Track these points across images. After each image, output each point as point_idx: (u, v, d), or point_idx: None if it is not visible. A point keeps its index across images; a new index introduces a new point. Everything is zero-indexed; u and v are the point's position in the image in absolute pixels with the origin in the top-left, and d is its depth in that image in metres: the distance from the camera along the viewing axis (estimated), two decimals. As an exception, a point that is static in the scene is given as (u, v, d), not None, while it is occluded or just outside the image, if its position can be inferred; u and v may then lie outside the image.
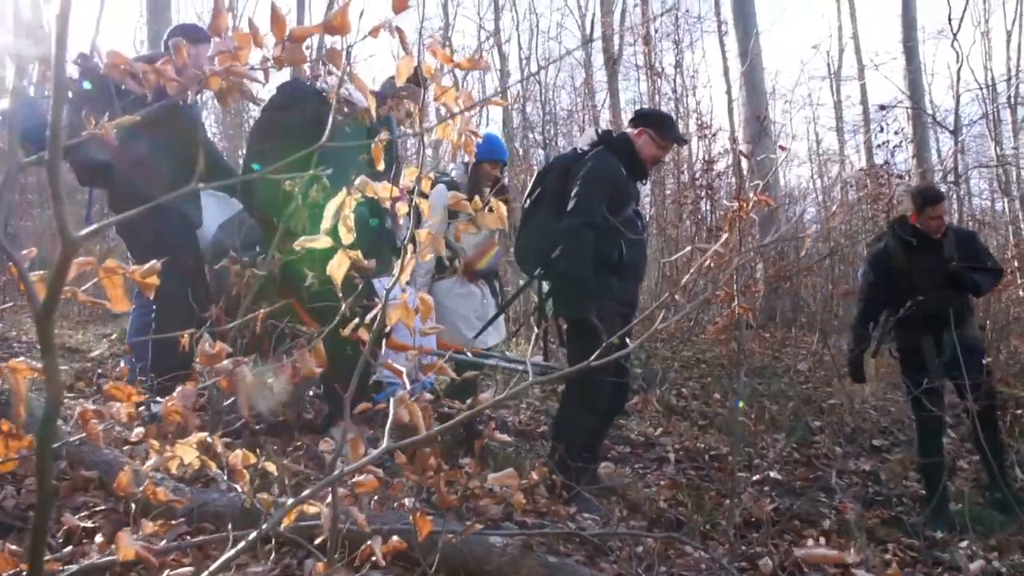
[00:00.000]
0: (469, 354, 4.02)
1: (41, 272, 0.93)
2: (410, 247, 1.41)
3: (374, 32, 1.57)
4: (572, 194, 3.70)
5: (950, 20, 13.21)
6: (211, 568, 1.09)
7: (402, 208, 1.37)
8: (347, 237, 1.26)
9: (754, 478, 4.54)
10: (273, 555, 2.21)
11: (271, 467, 1.44)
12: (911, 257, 4.55)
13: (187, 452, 1.34)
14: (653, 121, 4.01)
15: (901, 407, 6.28)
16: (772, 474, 4.70)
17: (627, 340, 3.50)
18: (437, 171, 4.88)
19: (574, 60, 18.48)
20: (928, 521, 4.01)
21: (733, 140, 11.59)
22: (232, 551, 1.16)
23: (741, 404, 3.41)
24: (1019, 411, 5.46)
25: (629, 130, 4.01)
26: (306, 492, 1.17)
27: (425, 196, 1.41)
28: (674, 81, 13.16)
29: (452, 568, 2.29)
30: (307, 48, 1.99)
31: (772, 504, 4.10)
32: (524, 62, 18.06)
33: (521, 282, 5.51)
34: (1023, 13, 17.33)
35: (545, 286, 3.99)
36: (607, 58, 14.67)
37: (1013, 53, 16.63)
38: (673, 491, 4.02)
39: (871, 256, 4.83)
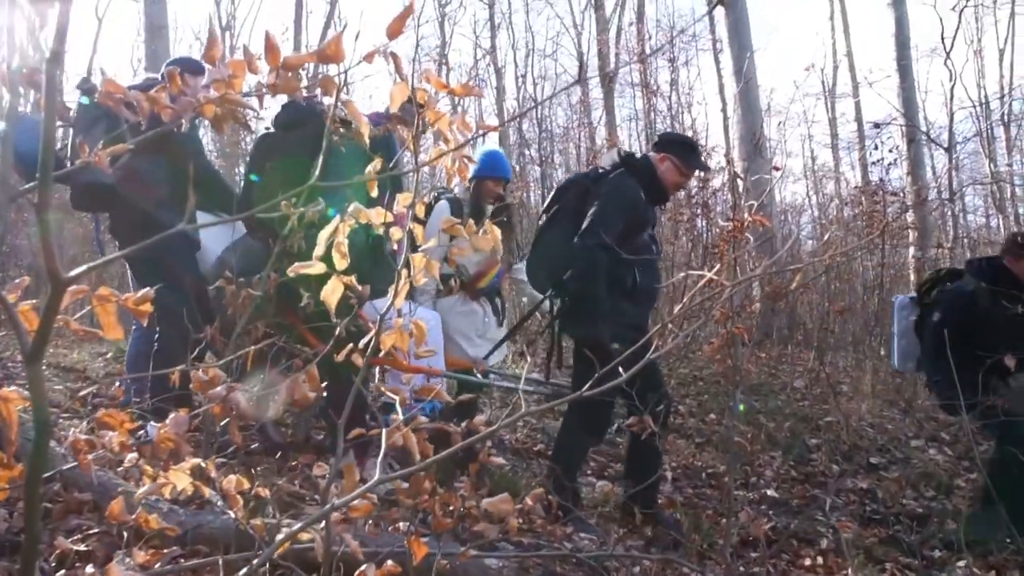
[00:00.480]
0: (478, 374, 4.03)
1: (33, 301, 0.93)
2: (404, 272, 1.41)
3: (368, 58, 1.59)
4: (589, 214, 3.68)
5: (943, 38, 13.34)
6: None
7: (396, 233, 1.37)
8: (340, 263, 1.26)
9: (751, 496, 4.53)
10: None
11: (264, 492, 1.43)
12: (997, 304, 4.08)
13: (180, 478, 1.33)
14: (678, 147, 3.97)
15: (898, 425, 6.28)
16: (769, 492, 4.69)
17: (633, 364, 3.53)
18: (438, 188, 4.90)
19: (570, 77, 18.60)
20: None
21: (728, 158, 11.65)
22: None
23: (742, 407, 3.41)
24: (1016, 428, 5.43)
25: (652, 154, 3.98)
26: (296, 527, 1.17)
27: (421, 222, 1.42)
28: (669, 99, 13.24)
29: (447, 591, 2.29)
30: (303, 70, 2.01)
31: (769, 523, 4.09)
32: (520, 80, 18.16)
33: (524, 300, 5.52)
34: (1015, 32, 17.51)
35: (549, 304, 3.98)
36: (603, 76, 14.76)
37: (1006, 71, 16.77)
38: (670, 510, 4.00)
39: (952, 299, 4.37)
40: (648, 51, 14.42)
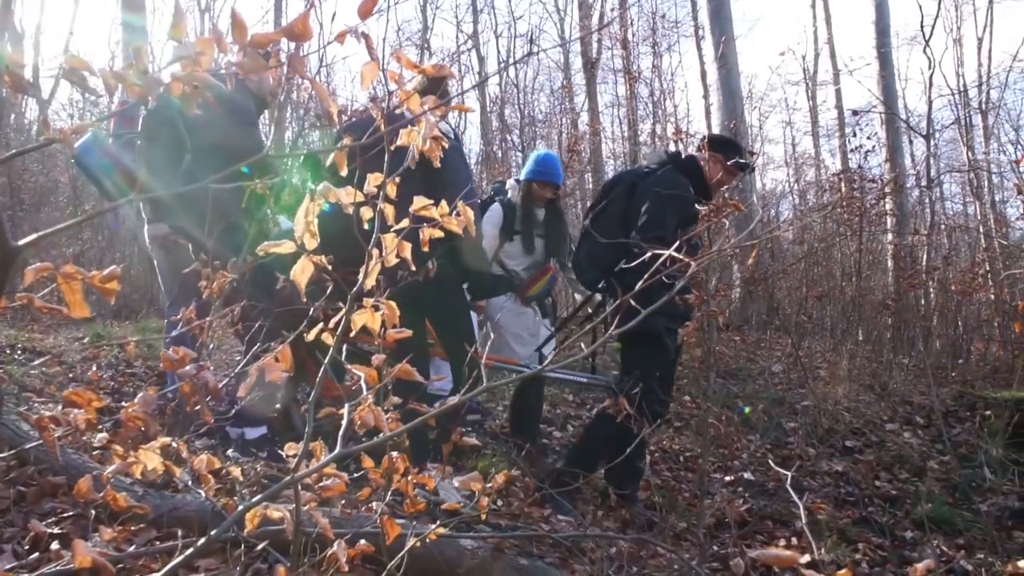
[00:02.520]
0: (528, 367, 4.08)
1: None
2: (375, 252, 1.41)
3: (340, 38, 1.58)
4: (643, 210, 3.70)
5: (922, 27, 13.40)
6: (160, 573, 1.09)
7: (366, 213, 1.37)
8: (310, 242, 1.26)
9: (727, 479, 4.59)
10: (243, 559, 2.20)
11: (236, 472, 1.43)
12: None
13: (150, 457, 1.33)
14: (724, 147, 3.99)
15: (873, 409, 6.36)
16: (746, 475, 4.75)
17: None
18: (496, 184, 4.93)
19: (552, 63, 18.55)
20: None
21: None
22: (180, 556, 1.16)
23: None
24: (987, 412, 5.53)
25: (698, 154, 3.99)
26: (257, 497, 1.17)
27: (390, 201, 1.42)
28: (651, 85, 13.23)
29: (424, 571, 2.30)
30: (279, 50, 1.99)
31: (745, 505, 4.14)
32: (502, 65, 18.06)
33: (577, 296, 5.55)
34: (993, 21, 17.63)
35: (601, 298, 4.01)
36: (585, 61, 14.72)
37: (984, 60, 16.89)
38: (647, 492, 4.05)
39: None
40: (631, 37, 14.41)
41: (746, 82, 17.36)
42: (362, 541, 1.68)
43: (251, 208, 3.23)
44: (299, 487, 1.24)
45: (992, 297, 8.74)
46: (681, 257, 1.32)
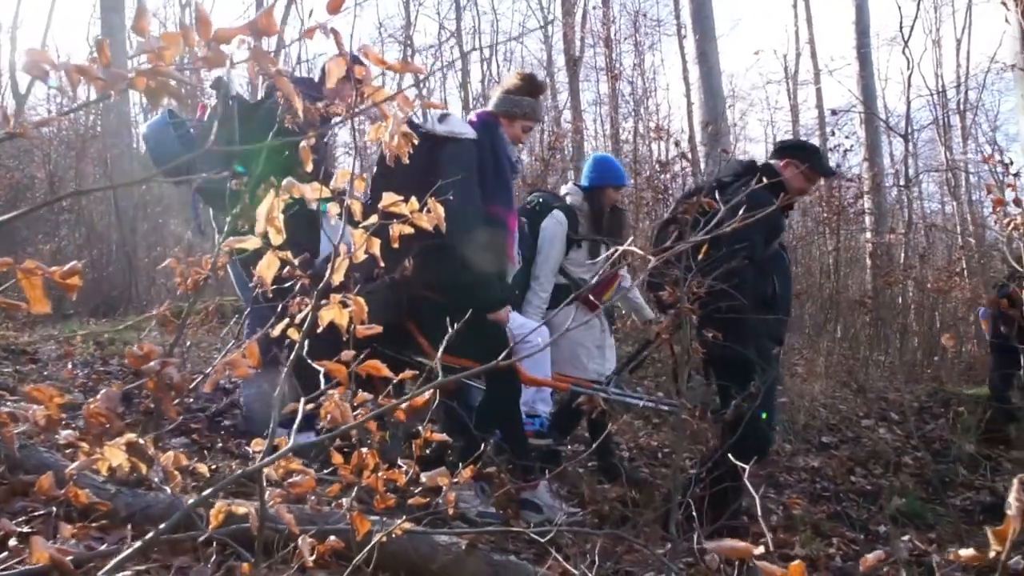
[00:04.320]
0: (613, 392, 3.92)
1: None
2: (343, 248, 1.41)
3: (309, 33, 1.58)
4: (726, 226, 3.56)
5: (901, 28, 13.54)
6: (106, 568, 1.09)
7: (333, 208, 1.38)
8: (276, 238, 1.26)
9: (704, 475, 4.61)
10: (216, 557, 2.20)
11: (203, 468, 1.43)
12: None
13: (115, 454, 1.33)
14: (800, 152, 3.87)
15: (850, 405, 6.43)
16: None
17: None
18: (541, 193, 4.70)
19: (535, 60, 18.55)
20: None
21: (691, 142, 11.74)
22: (128, 551, 1.16)
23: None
24: (960, 408, 5.61)
25: (774, 161, 3.87)
26: (209, 489, 1.17)
27: (357, 198, 1.42)
28: (633, 83, 13.28)
29: (397, 567, 2.30)
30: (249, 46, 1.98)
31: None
32: (485, 63, 18.05)
33: (624, 309, 5.32)
34: (971, 23, 17.84)
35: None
36: (568, 59, 14.75)
37: (963, 61, 17.09)
38: (625, 488, 4.06)
39: None
40: (613, 35, 14.45)
41: (727, 81, 17.45)
42: (332, 537, 1.68)
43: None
44: (264, 482, 1.25)
45: (968, 294, 8.86)
46: (637, 251, 1.32)
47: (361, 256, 1.45)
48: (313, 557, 1.59)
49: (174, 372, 1.23)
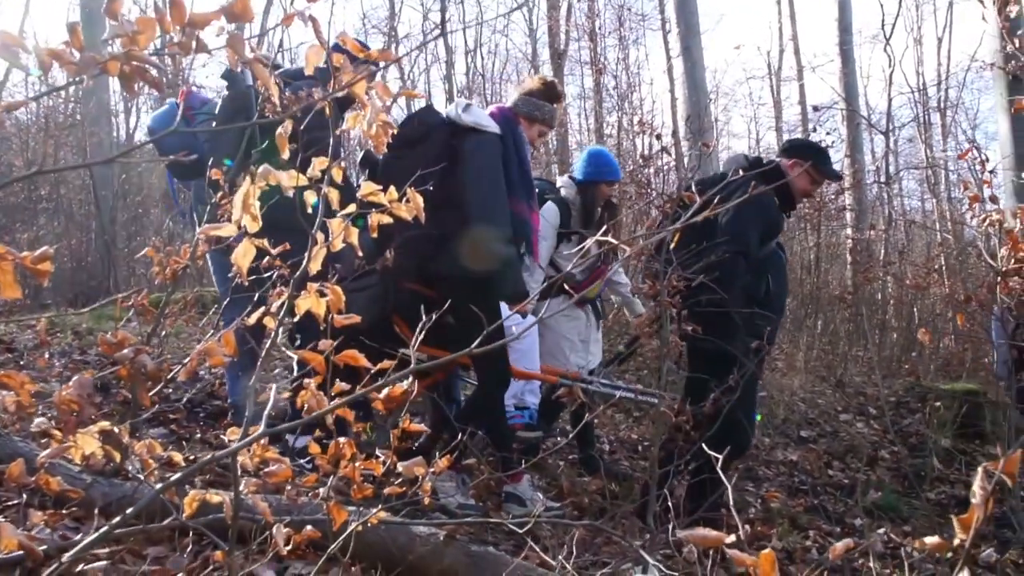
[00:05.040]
0: (599, 384, 3.95)
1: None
2: (320, 236, 1.41)
3: (287, 21, 1.57)
4: (724, 221, 3.50)
5: (883, 25, 13.64)
6: (69, 553, 1.08)
7: (310, 197, 1.37)
8: (252, 226, 1.25)
9: (683, 467, 4.64)
10: (191, 547, 2.19)
11: (178, 458, 1.42)
12: None
13: (88, 442, 1.32)
14: (809, 154, 3.81)
15: (828, 399, 6.49)
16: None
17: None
18: (538, 182, 4.57)
19: (520, 54, 18.51)
20: None
21: (675, 137, 11.78)
22: (92, 536, 1.15)
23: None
24: (937, 404, 5.68)
25: (782, 160, 3.83)
26: (177, 475, 1.17)
27: (336, 186, 1.41)
28: (618, 78, 13.29)
29: (375, 557, 2.30)
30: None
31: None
32: (470, 55, 17.99)
33: (615, 300, 5.30)
34: (953, 21, 18.00)
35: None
36: (553, 53, 14.73)
37: (944, 59, 17.22)
38: (604, 480, 4.08)
39: None
40: (598, 29, 14.45)
41: (711, 76, 17.50)
42: (309, 527, 1.68)
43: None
44: (238, 470, 1.24)
45: (946, 291, 8.95)
46: (611, 240, 1.32)
47: (339, 245, 1.44)
48: (289, 547, 1.59)
49: (147, 360, 1.22)
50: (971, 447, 5.20)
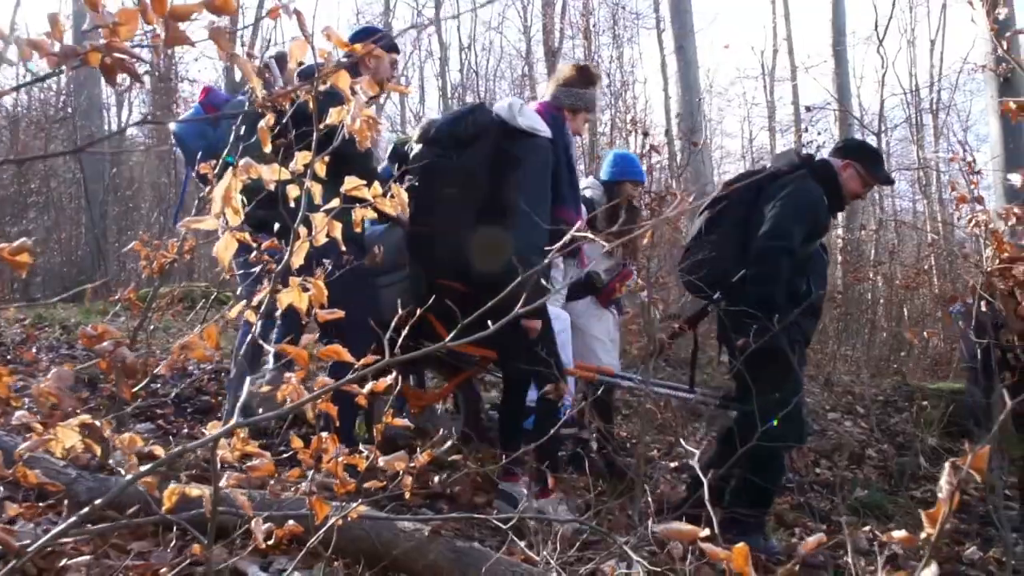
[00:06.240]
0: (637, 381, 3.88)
1: None
2: (303, 230, 1.41)
3: (272, 13, 1.56)
4: (770, 215, 3.41)
5: (876, 27, 13.69)
6: (31, 549, 1.08)
7: (292, 191, 1.37)
8: (233, 219, 1.25)
9: (672, 465, 4.66)
10: (175, 542, 2.18)
11: (160, 451, 1.42)
12: None
13: (68, 435, 1.31)
14: (863, 155, 3.71)
15: (817, 398, 6.51)
16: (691, 462, 4.82)
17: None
18: None
19: (514, 51, 18.50)
20: None
21: (668, 135, 11.79)
22: (60, 527, 1.15)
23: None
24: (924, 402, 5.71)
25: (835, 160, 3.70)
26: (143, 468, 1.17)
27: (319, 180, 1.41)
28: (611, 76, 13.30)
29: (359, 553, 2.30)
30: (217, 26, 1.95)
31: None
32: (465, 51, 17.97)
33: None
34: (946, 24, 18.07)
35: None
36: (547, 50, 14.73)
37: (936, 61, 17.31)
38: (593, 476, 4.09)
39: None
40: (592, 27, 14.45)
41: (705, 75, 17.52)
42: (291, 522, 1.68)
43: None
44: (218, 463, 1.24)
45: (936, 291, 9.00)
46: (590, 236, 1.32)
47: (323, 239, 1.44)
48: (271, 541, 1.59)
49: (127, 353, 1.22)
50: (957, 446, 5.23)
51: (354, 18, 18.28)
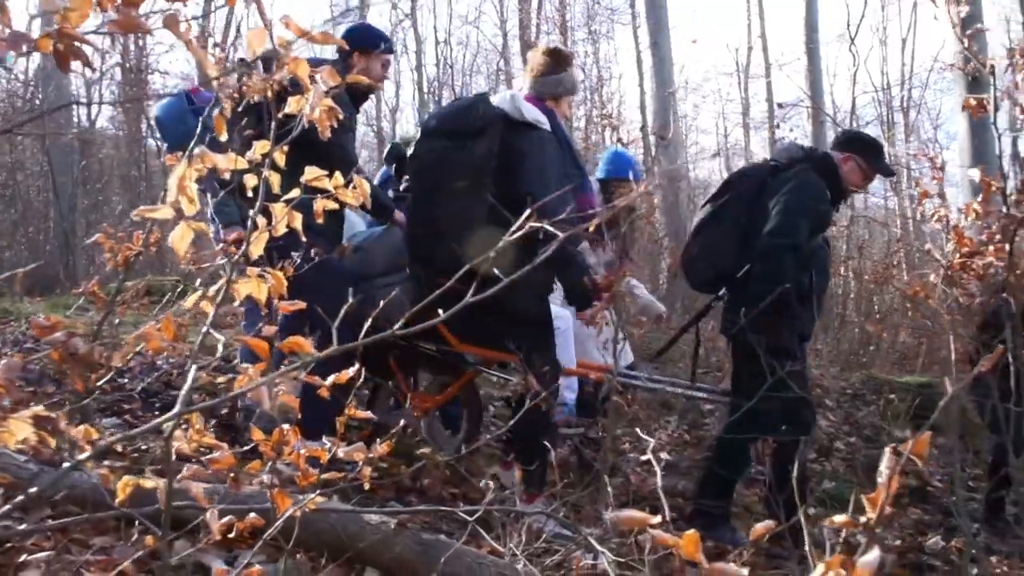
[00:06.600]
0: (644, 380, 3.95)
1: None
2: (262, 221, 1.40)
3: (230, 1, 1.55)
4: (774, 211, 3.38)
5: (848, 25, 13.84)
6: None
7: (250, 180, 1.36)
8: (189, 208, 1.24)
9: (643, 458, 4.69)
10: (137, 536, 2.16)
11: (117, 446, 1.40)
12: None
13: (20, 426, 1.29)
14: (864, 148, 3.69)
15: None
16: (663, 455, 4.86)
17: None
18: None
19: (490, 45, 18.47)
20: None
21: (643, 130, 11.86)
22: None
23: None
24: (892, 395, 5.80)
25: (835, 153, 3.68)
26: (83, 456, 1.15)
27: (278, 170, 1.40)
28: (587, 71, 13.33)
29: (324, 546, 2.30)
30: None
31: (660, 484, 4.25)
32: (441, 45, 17.92)
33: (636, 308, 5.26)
34: (917, 23, 18.32)
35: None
36: (523, 45, 14.72)
37: (908, 60, 17.54)
38: (564, 469, 4.10)
39: None
40: (568, 22, 14.48)
41: (680, 72, 17.61)
42: (253, 515, 1.67)
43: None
44: (172, 453, 1.23)
45: (904, 286, 9.12)
46: (548, 227, 1.32)
47: (282, 229, 1.43)
48: (232, 534, 1.58)
49: (79, 343, 1.20)
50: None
51: (328, 11, 18.14)
